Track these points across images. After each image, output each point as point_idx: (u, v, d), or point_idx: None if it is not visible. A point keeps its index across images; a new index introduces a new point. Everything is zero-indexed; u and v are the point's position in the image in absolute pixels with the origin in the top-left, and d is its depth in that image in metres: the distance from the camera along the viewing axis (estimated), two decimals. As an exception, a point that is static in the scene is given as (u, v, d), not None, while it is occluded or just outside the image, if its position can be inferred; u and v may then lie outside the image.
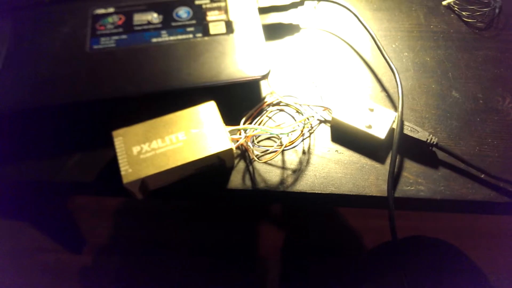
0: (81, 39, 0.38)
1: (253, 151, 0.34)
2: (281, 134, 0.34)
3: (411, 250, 0.53)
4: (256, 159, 0.34)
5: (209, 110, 0.33)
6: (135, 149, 0.31)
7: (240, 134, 0.34)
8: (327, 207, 0.34)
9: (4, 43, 0.38)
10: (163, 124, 0.32)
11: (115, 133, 0.32)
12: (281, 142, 0.35)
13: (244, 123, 0.36)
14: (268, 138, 0.36)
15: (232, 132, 0.34)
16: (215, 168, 0.33)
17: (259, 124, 0.36)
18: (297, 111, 0.37)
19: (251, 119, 0.37)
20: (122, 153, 0.31)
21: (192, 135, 0.32)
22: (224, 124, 0.33)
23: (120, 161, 0.30)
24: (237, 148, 0.35)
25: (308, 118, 0.36)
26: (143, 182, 0.30)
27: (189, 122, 0.33)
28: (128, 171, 0.30)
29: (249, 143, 0.34)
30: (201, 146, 0.31)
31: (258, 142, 0.36)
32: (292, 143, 0.35)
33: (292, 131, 0.34)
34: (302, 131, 0.35)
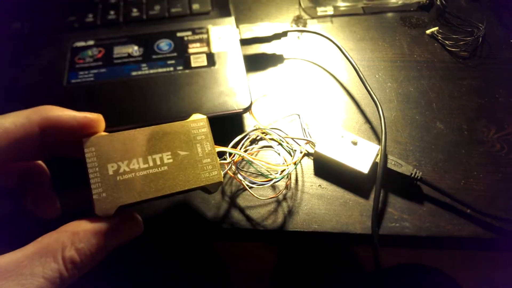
0: (59, 72, 0.38)
1: (244, 182, 0.33)
2: (275, 178, 0.32)
3: (404, 279, 0.52)
4: (249, 190, 0.33)
5: (200, 127, 0.29)
6: (111, 168, 0.26)
7: (230, 158, 0.32)
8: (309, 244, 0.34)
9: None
10: (146, 138, 0.27)
11: (87, 141, 0.26)
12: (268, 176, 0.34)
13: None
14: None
15: (219, 154, 0.30)
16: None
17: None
18: (279, 143, 0.37)
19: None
20: (94, 170, 0.25)
21: (180, 158, 0.28)
22: (214, 148, 0.29)
23: (92, 182, 0.25)
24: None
25: (299, 160, 0.34)
26: (117, 210, 0.26)
27: (177, 141, 0.28)
28: (102, 196, 0.25)
29: (239, 175, 0.33)
30: (188, 174, 0.27)
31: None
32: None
33: (286, 174, 0.33)
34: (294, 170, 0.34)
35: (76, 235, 0.23)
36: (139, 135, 0.27)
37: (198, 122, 0.29)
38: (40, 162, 0.30)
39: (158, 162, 0.27)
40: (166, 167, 0.27)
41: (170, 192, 0.27)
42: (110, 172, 0.26)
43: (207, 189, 0.29)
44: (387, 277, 0.47)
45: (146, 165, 0.26)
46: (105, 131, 0.28)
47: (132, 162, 0.26)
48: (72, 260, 0.23)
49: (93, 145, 0.26)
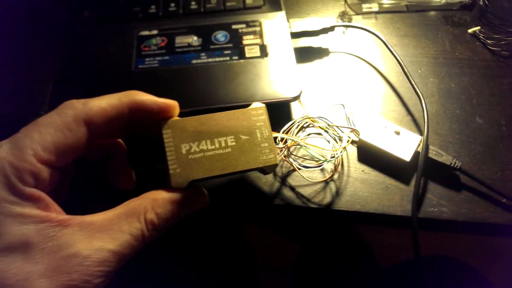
0: (128, 59, 0.41)
1: (295, 165, 0.36)
2: (326, 161, 0.36)
3: (433, 270, 0.53)
4: (299, 172, 0.36)
5: (259, 114, 0.32)
6: (184, 147, 0.29)
7: (282, 143, 0.36)
8: (352, 223, 0.36)
9: (55, 62, 0.42)
10: (213, 123, 0.31)
11: (165, 124, 0.30)
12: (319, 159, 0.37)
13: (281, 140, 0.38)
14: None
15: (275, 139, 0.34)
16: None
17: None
18: (325, 131, 0.39)
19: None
20: (171, 149, 0.29)
21: (241, 141, 0.31)
22: (271, 134, 0.32)
23: (169, 159, 0.29)
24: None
25: (347, 145, 0.37)
26: (188, 184, 0.30)
27: (239, 126, 0.31)
28: (177, 171, 0.29)
29: (290, 159, 0.36)
30: (249, 156, 0.30)
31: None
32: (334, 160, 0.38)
33: (336, 157, 0.36)
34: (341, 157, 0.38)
35: (155, 202, 0.27)
36: (208, 120, 0.31)
37: (258, 110, 0.32)
38: (119, 139, 0.34)
39: (223, 144, 0.30)
40: (230, 149, 0.30)
41: (233, 171, 0.30)
42: (183, 151, 0.29)
43: (264, 170, 0.32)
44: (425, 267, 0.49)
45: (213, 147, 0.30)
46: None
47: (202, 143, 0.30)
48: (152, 222, 0.27)
49: (170, 127, 0.30)
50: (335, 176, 0.37)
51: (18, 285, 0.22)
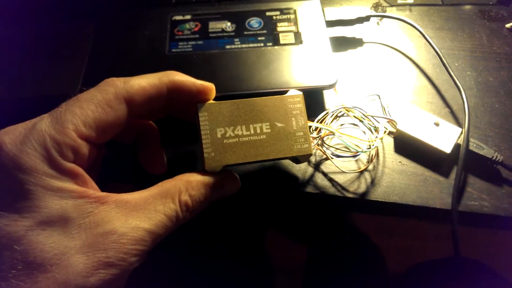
0: (161, 42, 0.41)
1: (329, 155, 0.35)
2: (362, 151, 0.35)
3: (470, 273, 0.51)
4: (333, 163, 0.36)
5: (296, 102, 0.31)
6: (219, 131, 0.29)
7: (316, 133, 0.35)
8: (389, 214, 0.35)
9: (89, 43, 0.42)
10: (249, 109, 0.30)
11: (201, 106, 0.29)
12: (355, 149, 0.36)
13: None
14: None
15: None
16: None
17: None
18: (361, 121, 0.39)
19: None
20: (206, 132, 0.29)
21: (276, 129, 0.30)
22: (307, 123, 0.31)
23: (204, 142, 0.28)
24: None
25: (382, 137, 0.36)
26: (222, 168, 0.29)
27: (275, 113, 0.30)
28: (211, 155, 0.28)
29: (324, 148, 0.35)
30: (283, 144, 0.30)
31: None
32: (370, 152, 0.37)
33: (372, 148, 0.35)
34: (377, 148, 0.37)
35: (189, 184, 0.27)
36: (244, 105, 0.30)
37: (295, 97, 0.31)
38: (151, 122, 0.33)
39: (258, 131, 0.30)
40: (264, 136, 0.30)
41: (266, 158, 0.30)
42: (218, 135, 0.29)
43: (297, 159, 0.32)
44: (464, 268, 0.47)
45: (248, 132, 0.30)
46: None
47: (237, 128, 0.29)
48: (186, 203, 0.26)
49: (206, 110, 0.29)
50: (370, 167, 0.37)
51: (55, 259, 0.22)
